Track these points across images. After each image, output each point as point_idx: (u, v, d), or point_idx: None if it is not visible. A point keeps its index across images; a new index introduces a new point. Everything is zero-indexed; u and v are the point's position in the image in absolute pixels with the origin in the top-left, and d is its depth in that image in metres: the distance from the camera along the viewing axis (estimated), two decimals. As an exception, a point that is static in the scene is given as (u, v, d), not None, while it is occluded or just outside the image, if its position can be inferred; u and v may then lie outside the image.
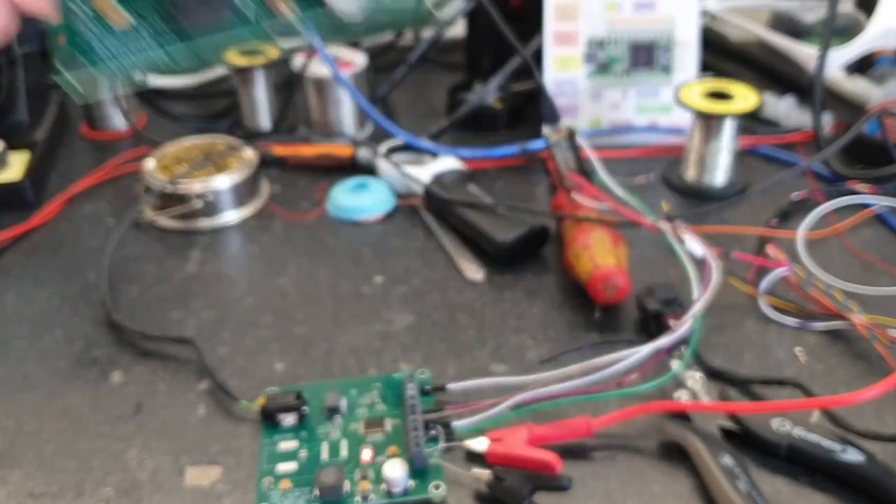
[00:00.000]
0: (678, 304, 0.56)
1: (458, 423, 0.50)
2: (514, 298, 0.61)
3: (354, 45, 0.87)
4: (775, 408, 0.49)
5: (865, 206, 0.70)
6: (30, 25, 0.95)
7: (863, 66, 0.88)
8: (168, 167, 0.72)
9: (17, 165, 0.75)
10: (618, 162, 0.77)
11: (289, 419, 0.51)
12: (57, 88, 0.92)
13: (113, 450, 0.50)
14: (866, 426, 0.49)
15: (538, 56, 0.78)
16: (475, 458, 0.49)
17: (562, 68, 0.78)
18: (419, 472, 0.47)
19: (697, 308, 0.53)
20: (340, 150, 0.77)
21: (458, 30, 0.90)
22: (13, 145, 0.76)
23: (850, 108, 0.85)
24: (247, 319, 0.60)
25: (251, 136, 0.82)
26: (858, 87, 0.85)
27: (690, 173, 0.73)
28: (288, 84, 0.84)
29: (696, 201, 0.72)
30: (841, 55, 0.82)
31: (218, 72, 0.96)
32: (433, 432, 0.49)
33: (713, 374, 0.53)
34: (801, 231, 0.66)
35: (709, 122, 0.70)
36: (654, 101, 0.79)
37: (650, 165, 0.76)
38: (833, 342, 0.56)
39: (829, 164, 0.73)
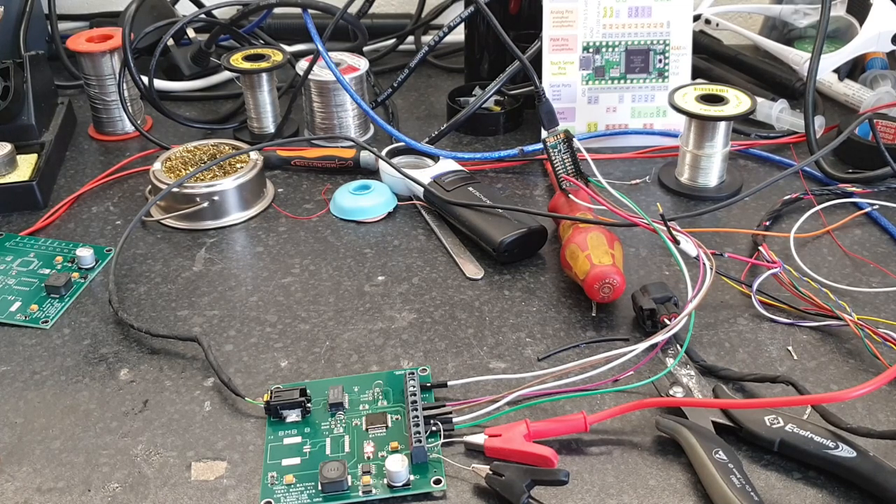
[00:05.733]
0: (672, 303, 0.57)
1: (457, 419, 0.51)
2: (512, 297, 0.62)
3: (357, 50, 0.88)
4: (768, 404, 0.50)
5: (857, 206, 0.71)
6: (37, 28, 0.96)
7: (854, 69, 0.89)
8: (175, 169, 0.73)
9: (25, 167, 0.75)
10: (614, 164, 0.78)
11: (293, 415, 0.52)
12: (64, 90, 0.93)
13: (120, 446, 0.51)
14: (858, 422, 0.50)
15: (537, 61, 0.78)
16: (474, 452, 0.50)
17: (559, 73, 0.79)
18: (420, 466, 0.48)
19: (691, 306, 0.54)
20: (343, 152, 0.78)
21: (459, 35, 0.90)
22: (21, 147, 0.77)
23: (842, 110, 0.87)
24: (252, 317, 0.61)
25: (256, 139, 0.83)
26: (850, 90, 0.86)
27: (685, 175, 0.74)
28: (292, 88, 0.85)
29: (691, 202, 0.73)
30: (833, 59, 0.83)
31: (224, 76, 0.96)
32: (433, 427, 0.50)
33: (707, 371, 0.54)
34: (794, 231, 0.67)
35: (703, 126, 0.71)
36: (649, 104, 0.80)
37: (645, 168, 0.77)
38: (825, 340, 0.57)
39: (821, 166, 0.74)
